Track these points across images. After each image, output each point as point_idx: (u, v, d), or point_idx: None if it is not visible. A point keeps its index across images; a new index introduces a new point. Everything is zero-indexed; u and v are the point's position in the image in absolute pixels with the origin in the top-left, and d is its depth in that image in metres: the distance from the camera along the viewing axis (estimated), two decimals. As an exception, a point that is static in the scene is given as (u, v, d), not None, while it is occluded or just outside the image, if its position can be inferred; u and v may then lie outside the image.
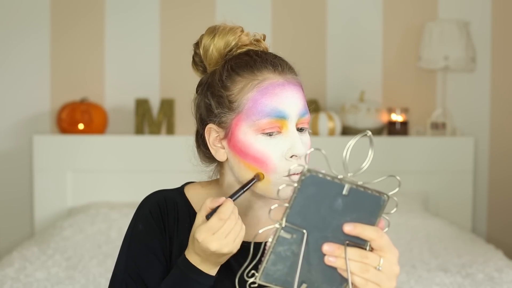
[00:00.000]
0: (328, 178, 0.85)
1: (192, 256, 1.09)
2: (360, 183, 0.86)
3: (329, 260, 0.85)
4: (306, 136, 1.16)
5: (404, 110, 3.29)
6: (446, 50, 3.20)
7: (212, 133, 1.18)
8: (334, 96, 3.40)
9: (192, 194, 1.25)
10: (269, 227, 0.88)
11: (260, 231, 0.90)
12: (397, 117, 3.28)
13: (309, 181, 0.85)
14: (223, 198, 1.07)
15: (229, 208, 1.05)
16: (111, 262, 2.43)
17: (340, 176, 0.86)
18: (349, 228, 0.85)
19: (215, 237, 1.04)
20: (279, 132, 1.12)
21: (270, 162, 1.12)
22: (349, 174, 0.87)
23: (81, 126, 3.13)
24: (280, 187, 0.87)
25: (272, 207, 0.87)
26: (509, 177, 3.44)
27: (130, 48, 3.34)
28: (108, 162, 3.13)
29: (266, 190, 1.14)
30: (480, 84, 3.44)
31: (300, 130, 1.15)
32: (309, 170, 0.85)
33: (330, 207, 0.85)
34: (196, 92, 1.24)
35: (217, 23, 1.23)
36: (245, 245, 1.17)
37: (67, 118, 3.13)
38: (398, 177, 0.88)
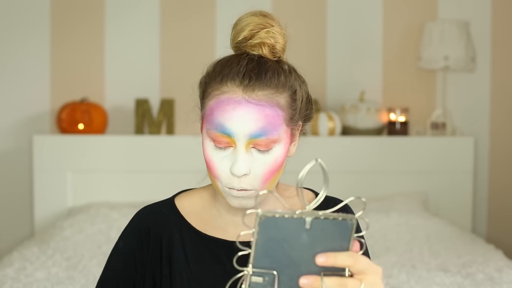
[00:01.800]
0: (286, 216, 0.82)
1: None
2: (321, 212, 0.82)
3: None
4: (267, 156, 1.13)
5: (404, 110, 3.29)
6: (446, 50, 3.20)
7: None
8: (334, 96, 3.40)
9: (183, 202, 1.26)
10: (242, 253, 0.86)
11: (239, 253, 0.87)
12: (397, 117, 3.28)
13: (266, 223, 0.82)
14: None
15: None
16: (111, 262, 2.43)
17: (298, 212, 0.82)
18: (322, 260, 0.82)
19: None
20: (231, 146, 1.13)
21: (214, 170, 1.14)
22: (306, 207, 0.83)
23: (81, 126, 3.13)
24: (248, 212, 0.83)
25: (242, 233, 0.85)
26: (509, 177, 3.44)
27: (130, 48, 3.34)
28: (108, 162, 3.12)
29: (219, 193, 1.18)
30: (480, 84, 3.44)
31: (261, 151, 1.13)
32: (263, 214, 0.81)
33: (296, 243, 0.82)
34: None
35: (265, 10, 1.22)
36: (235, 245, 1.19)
37: (67, 118, 3.13)
38: (363, 199, 0.85)
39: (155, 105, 3.28)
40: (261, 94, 1.13)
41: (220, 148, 1.13)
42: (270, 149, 1.13)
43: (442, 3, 3.41)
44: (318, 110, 3.25)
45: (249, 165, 1.12)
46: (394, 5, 3.41)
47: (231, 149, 1.13)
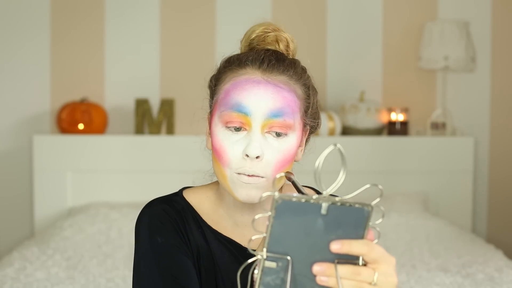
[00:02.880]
0: (303, 200, 0.81)
1: None
2: (337, 198, 0.81)
3: (321, 280, 0.81)
4: (281, 142, 1.11)
5: (404, 110, 3.29)
6: (446, 50, 3.20)
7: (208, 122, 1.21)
8: (334, 96, 3.40)
9: (192, 200, 1.22)
10: (257, 237, 0.85)
11: (253, 238, 0.86)
12: (397, 117, 3.28)
13: (282, 207, 0.81)
14: None
15: None
16: (111, 262, 2.43)
17: (315, 197, 0.81)
18: (336, 247, 0.81)
19: None
20: (245, 129, 1.10)
21: (225, 156, 1.10)
22: (323, 192, 0.83)
23: (81, 126, 3.13)
24: (264, 195, 0.83)
25: (256, 217, 0.83)
26: (509, 177, 3.44)
27: (130, 48, 3.34)
28: (108, 162, 3.13)
29: (225, 185, 1.13)
30: (480, 84, 3.44)
31: (277, 134, 1.11)
32: (280, 197, 0.81)
33: (312, 228, 0.82)
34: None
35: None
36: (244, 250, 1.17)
37: (67, 118, 3.13)
38: (380, 186, 0.84)
39: (155, 105, 3.28)
40: (279, 78, 1.13)
41: (233, 131, 1.10)
42: (285, 136, 1.11)
43: (442, 3, 3.41)
44: (318, 110, 3.25)
45: (263, 148, 1.09)
46: (394, 5, 3.41)
47: (244, 132, 1.10)
